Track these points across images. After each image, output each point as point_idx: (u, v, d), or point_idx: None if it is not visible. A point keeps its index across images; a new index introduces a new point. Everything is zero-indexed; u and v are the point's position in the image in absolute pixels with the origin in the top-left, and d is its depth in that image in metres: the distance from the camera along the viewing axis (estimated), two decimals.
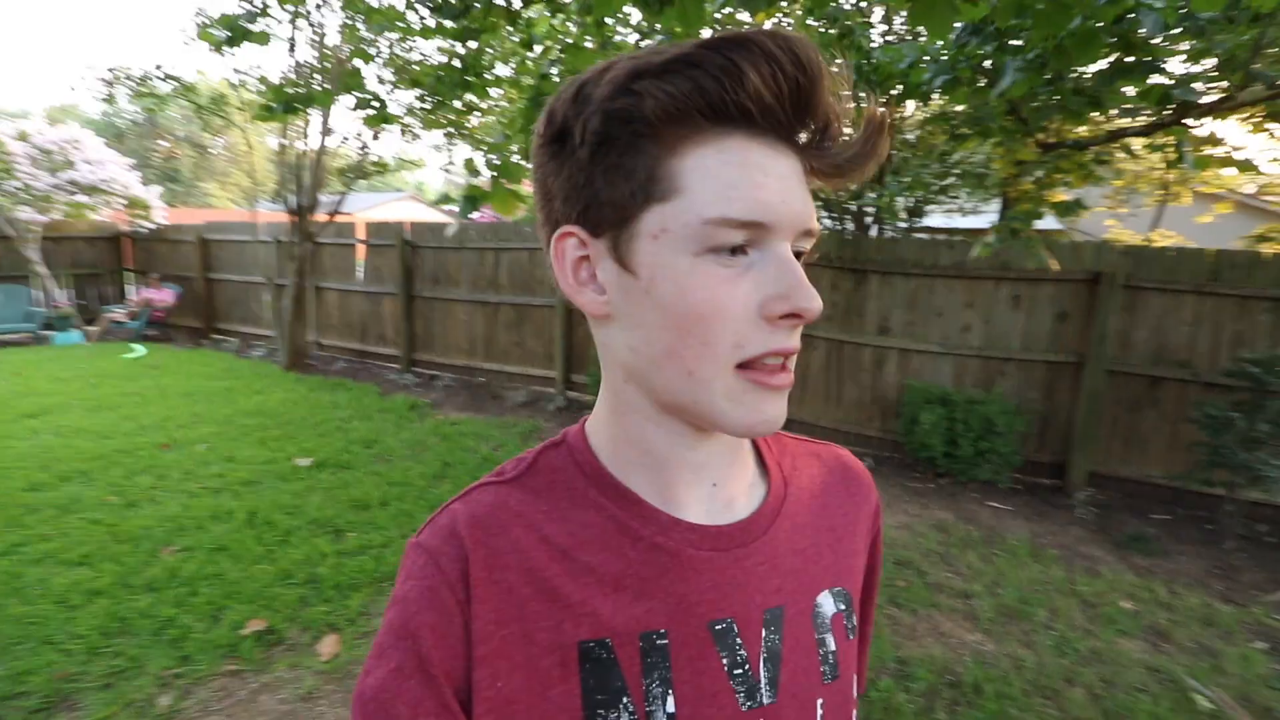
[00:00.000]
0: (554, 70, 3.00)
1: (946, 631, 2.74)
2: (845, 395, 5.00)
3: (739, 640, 0.46)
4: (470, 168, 2.54)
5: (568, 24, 3.91)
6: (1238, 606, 3.03)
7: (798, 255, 0.43)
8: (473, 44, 3.25)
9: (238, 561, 3.01)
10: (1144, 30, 2.22)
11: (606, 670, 0.44)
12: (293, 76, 6.45)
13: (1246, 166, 3.90)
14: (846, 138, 0.43)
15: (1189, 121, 3.32)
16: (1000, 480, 4.27)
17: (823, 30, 3.46)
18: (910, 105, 5.22)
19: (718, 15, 3.56)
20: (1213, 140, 4.37)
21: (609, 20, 3.43)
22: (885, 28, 5.37)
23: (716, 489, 0.50)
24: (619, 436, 0.49)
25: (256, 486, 3.94)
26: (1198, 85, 3.01)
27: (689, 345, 0.42)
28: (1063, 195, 3.41)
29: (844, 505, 0.57)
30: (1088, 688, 2.40)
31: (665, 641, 0.45)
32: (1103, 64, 2.64)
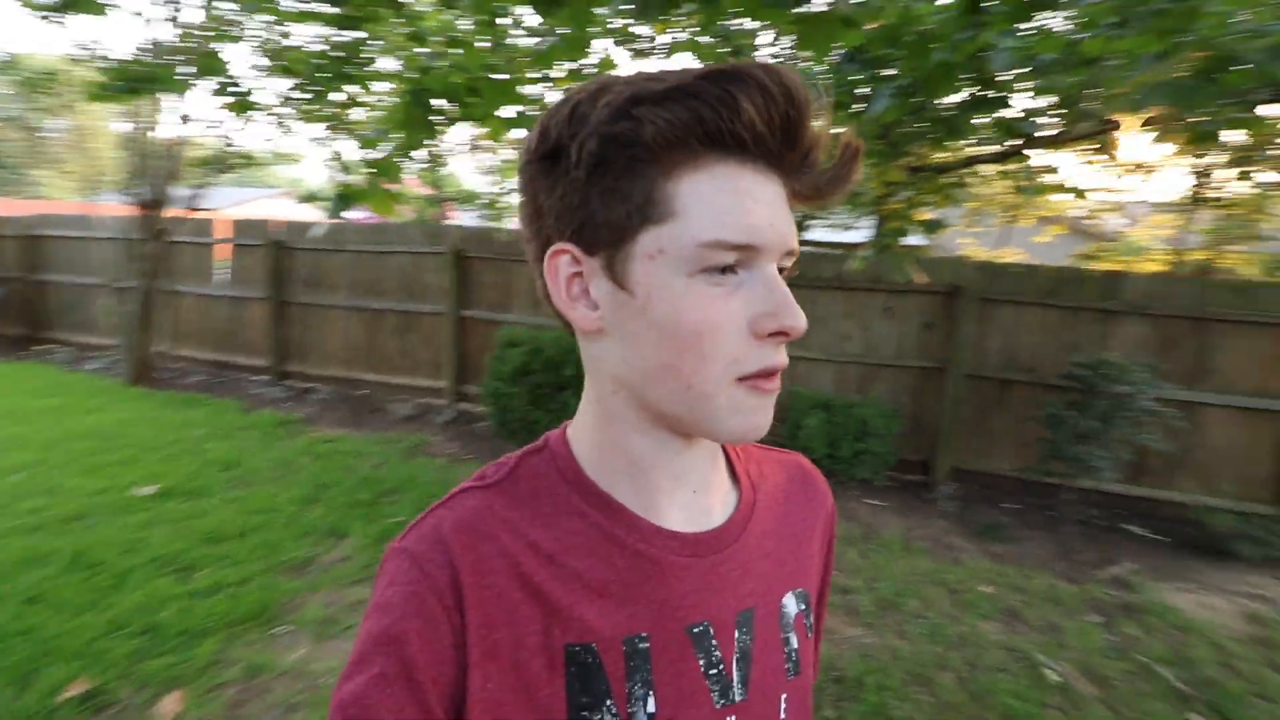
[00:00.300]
0: (438, 64, 2.85)
1: (830, 628, 2.86)
2: None
3: (714, 642, 0.50)
4: (343, 164, 2.35)
5: (457, 22, 3.75)
6: (1077, 584, 3.40)
7: (780, 272, 0.46)
8: (355, 33, 3.03)
9: (58, 612, 2.58)
10: (995, 67, 2.44)
11: (591, 673, 0.46)
12: (144, 56, 5.76)
13: (1077, 193, 4.44)
14: (825, 163, 0.46)
15: (1031, 151, 3.72)
16: (877, 479, 4.55)
17: (716, 49, 3.54)
18: None
19: (613, 24, 3.55)
20: (1048, 169, 4.94)
21: (502, 20, 3.33)
22: (775, 48, 5.61)
23: (696, 496, 0.53)
24: (604, 444, 0.51)
25: (85, 522, 3.44)
26: (1040, 120, 3.36)
27: (687, 360, 0.44)
28: (928, 214, 3.70)
29: (803, 510, 0.61)
30: (956, 672, 2.59)
31: (647, 645, 0.47)
32: (962, 96, 2.89)
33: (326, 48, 3.53)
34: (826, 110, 0.45)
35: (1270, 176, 5.33)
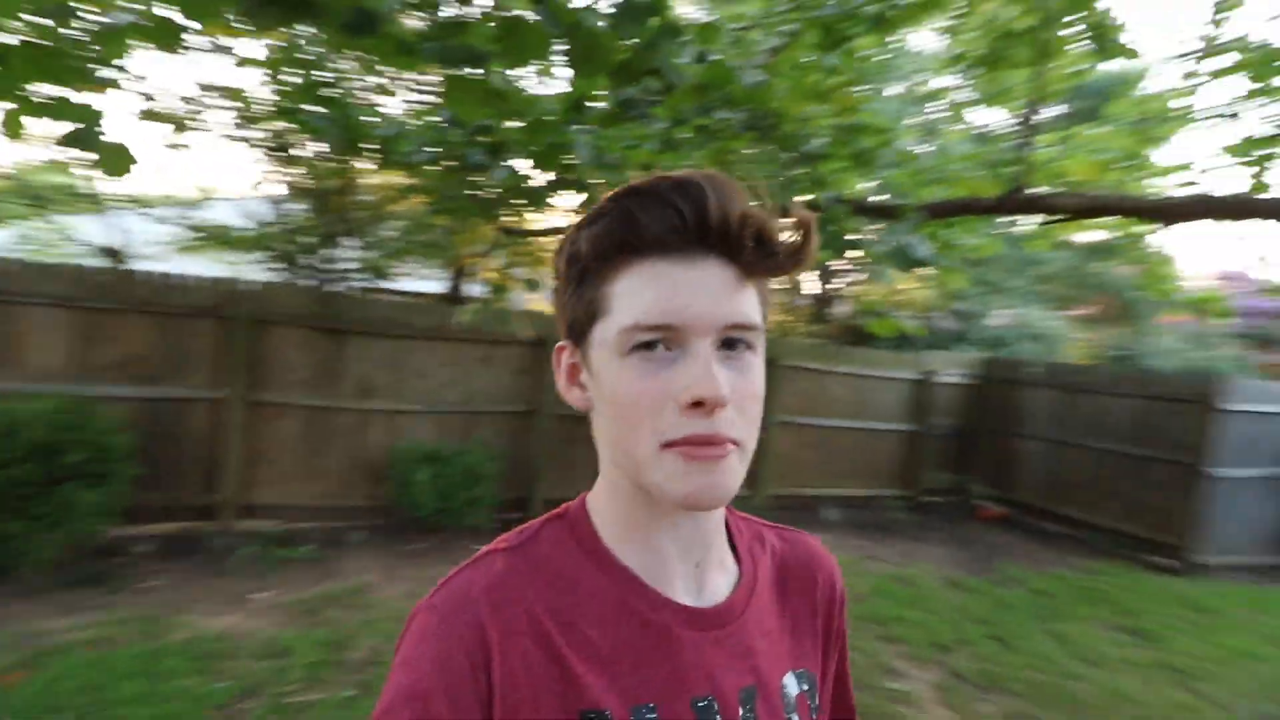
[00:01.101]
0: None
1: None
2: (327, 466, 4.56)
3: (719, 718, 0.51)
4: None
5: None
6: None
7: (732, 345, 0.49)
8: None
9: None
10: (579, 157, 2.90)
11: None
12: None
13: None
14: (783, 239, 0.50)
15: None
16: (487, 523, 4.67)
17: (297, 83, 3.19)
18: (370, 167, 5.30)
19: None
20: None
21: None
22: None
23: (699, 570, 0.56)
24: (614, 513, 0.55)
25: None
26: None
27: (624, 430, 0.50)
28: (525, 275, 4.07)
29: (804, 590, 0.62)
30: None
31: (654, 716, 0.49)
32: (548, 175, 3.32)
33: None
34: (762, 194, 0.51)
35: None
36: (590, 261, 0.50)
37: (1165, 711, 3.07)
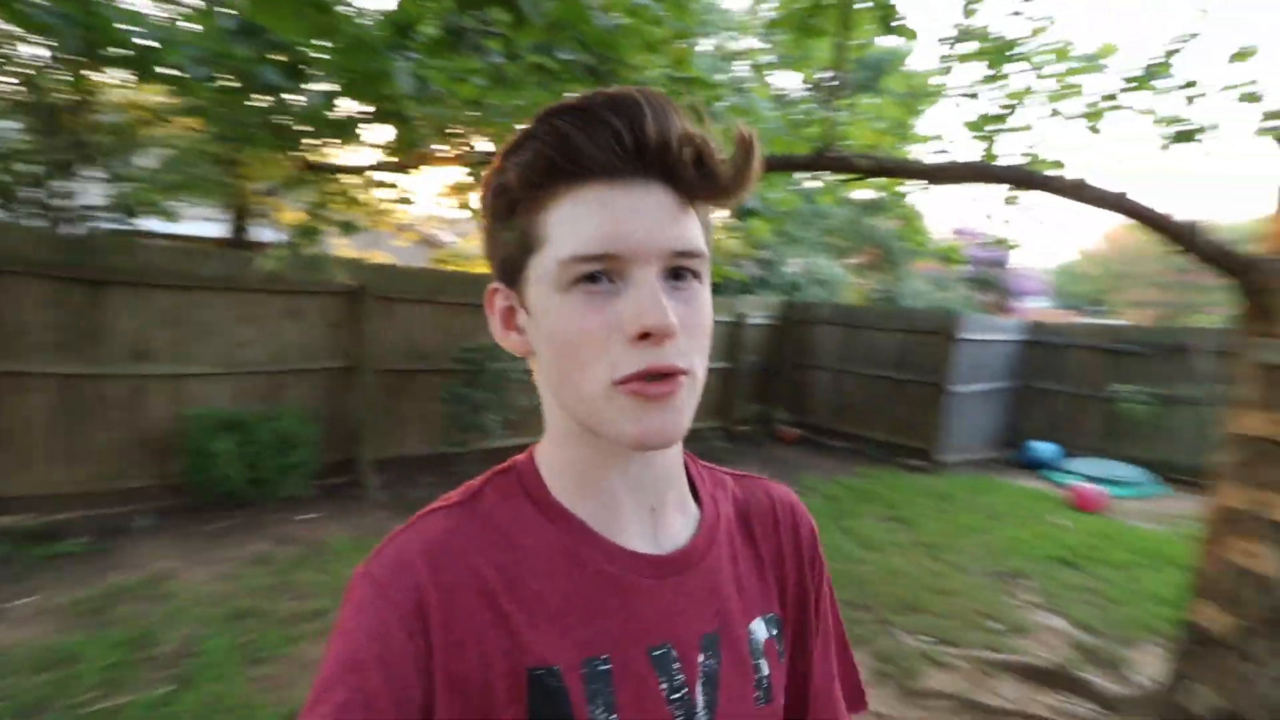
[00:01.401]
0: None
1: (313, 662, 2.65)
2: (93, 444, 3.83)
3: (677, 665, 0.50)
4: None
5: None
6: None
7: (678, 275, 0.46)
8: None
9: None
10: (400, 87, 2.67)
11: (554, 698, 0.46)
12: None
13: (407, 203, 5.04)
14: (724, 160, 0.46)
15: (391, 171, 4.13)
16: (306, 491, 4.29)
17: None
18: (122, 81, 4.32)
19: None
20: (390, 184, 5.47)
21: None
22: None
23: (655, 514, 0.54)
24: (563, 461, 0.52)
25: None
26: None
27: (572, 368, 0.47)
28: (338, 217, 3.68)
29: (772, 534, 0.60)
30: None
31: (608, 667, 0.47)
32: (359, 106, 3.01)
33: None
34: (700, 113, 0.47)
35: None
36: (520, 191, 0.46)
37: (924, 579, 3.86)
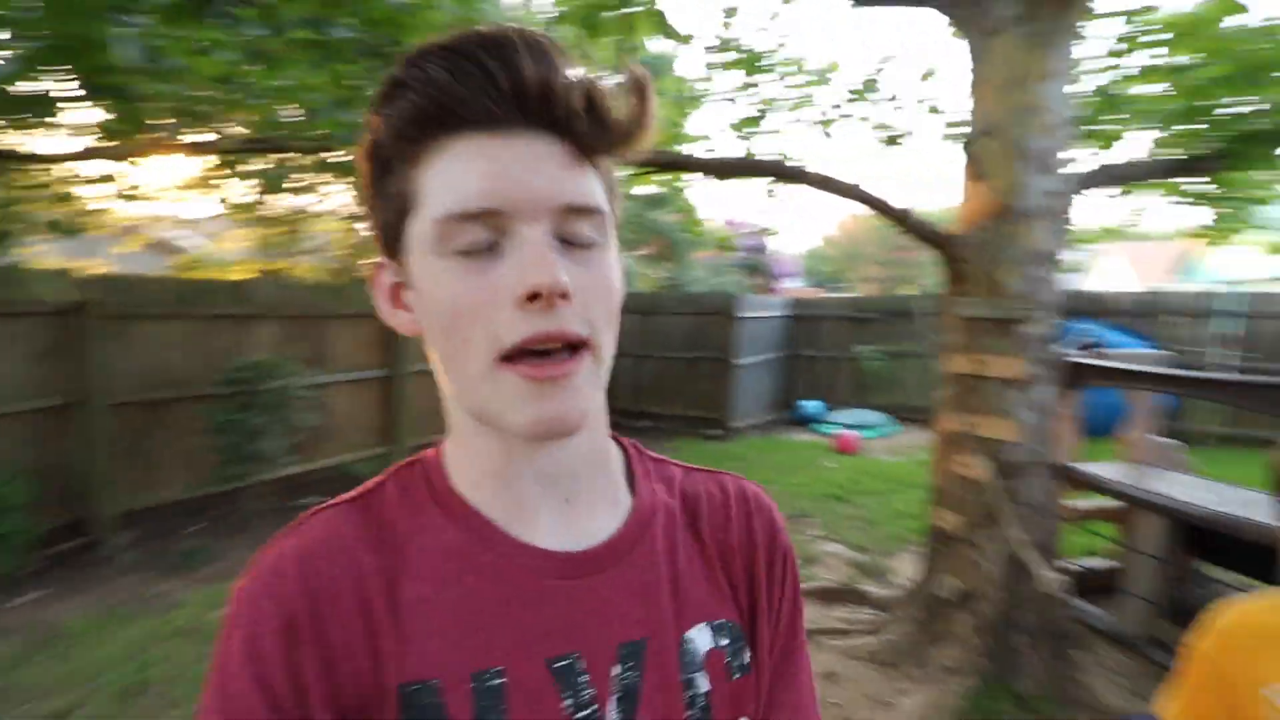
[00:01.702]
0: None
1: None
2: None
3: (585, 678, 0.43)
4: None
5: None
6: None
7: (574, 237, 0.41)
8: None
9: None
10: (121, 56, 2.23)
11: (429, 715, 0.40)
12: None
13: (129, 198, 4.28)
14: (617, 106, 0.41)
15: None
16: (23, 566, 3.40)
17: None
18: None
19: None
20: (109, 178, 4.56)
21: None
22: None
23: (570, 506, 0.48)
24: (464, 451, 0.47)
25: None
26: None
27: (456, 346, 0.41)
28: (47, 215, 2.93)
29: (721, 528, 0.53)
30: None
31: (501, 681, 0.41)
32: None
33: None
34: (586, 56, 0.43)
35: (302, 200, 6.75)
36: (393, 147, 0.41)
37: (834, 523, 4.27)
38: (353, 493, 0.47)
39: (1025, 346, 2.47)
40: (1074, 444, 3.06)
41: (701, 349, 7.57)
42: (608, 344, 0.43)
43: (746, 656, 0.49)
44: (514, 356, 0.40)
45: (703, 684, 0.46)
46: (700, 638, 0.47)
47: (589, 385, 0.42)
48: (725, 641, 0.48)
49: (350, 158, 3.22)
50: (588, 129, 0.41)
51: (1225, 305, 7.12)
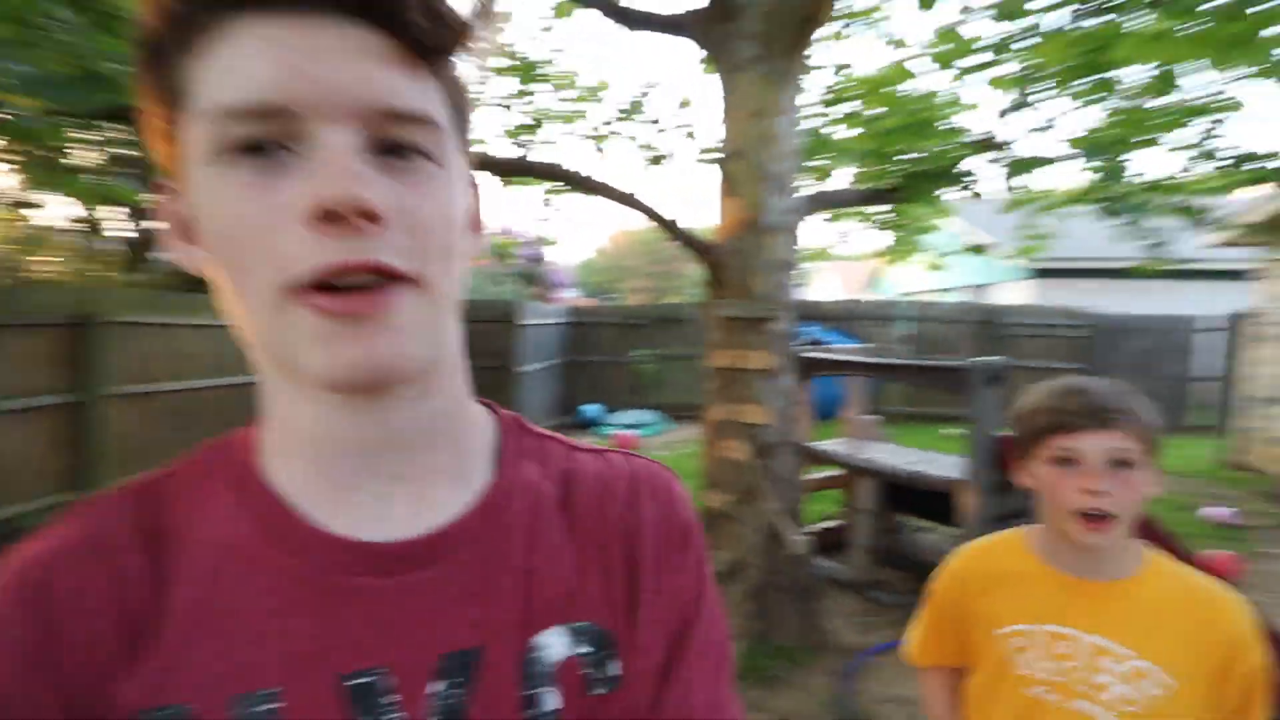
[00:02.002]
0: None
1: None
2: None
3: (391, 699, 0.35)
4: None
5: None
6: None
7: (396, 149, 0.34)
8: None
9: None
10: None
11: None
12: None
13: None
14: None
15: None
16: None
17: None
18: None
19: None
20: None
21: None
22: None
23: (402, 485, 0.39)
24: (273, 417, 0.39)
25: None
26: None
27: (236, 276, 0.34)
28: None
29: (595, 512, 0.43)
30: None
31: (277, 705, 0.34)
32: None
33: None
34: None
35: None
36: (166, 29, 0.33)
37: None
38: (141, 476, 0.39)
39: (773, 342, 2.85)
40: (808, 426, 3.63)
41: (480, 357, 7.24)
42: (441, 282, 0.35)
43: (614, 668, 0.40)
44: (306, 289, 0.32)
45: (550, 701, 0.37)
46: (554, 644, 0.38)
47: (416, 327, 0.34)
48: (586, 649, 0.39)
49: (16, 115, 2.54)
50: (416, 18, 0.32)
51: (902, 311, 9.10)
